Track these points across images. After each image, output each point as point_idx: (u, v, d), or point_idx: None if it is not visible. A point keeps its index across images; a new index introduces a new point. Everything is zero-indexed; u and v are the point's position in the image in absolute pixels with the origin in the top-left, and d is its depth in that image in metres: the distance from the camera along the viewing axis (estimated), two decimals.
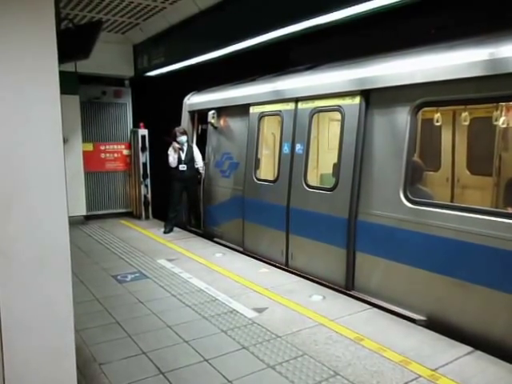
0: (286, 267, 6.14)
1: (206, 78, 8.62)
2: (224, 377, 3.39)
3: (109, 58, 9.26)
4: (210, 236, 8.10)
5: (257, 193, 6.78)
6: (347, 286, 5.20)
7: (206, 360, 3.65)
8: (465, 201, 6.10)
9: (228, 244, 7.48)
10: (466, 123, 5.23)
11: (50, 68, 2.49)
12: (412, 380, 3.34)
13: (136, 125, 10.04)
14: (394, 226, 4.66)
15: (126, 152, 10.21)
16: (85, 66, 8.04)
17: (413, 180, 4.73)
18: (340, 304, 4.83)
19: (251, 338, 4.04)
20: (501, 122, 4.60)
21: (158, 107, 10.01)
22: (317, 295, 5.04)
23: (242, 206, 7.07)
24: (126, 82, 10.27)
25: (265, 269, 6.11)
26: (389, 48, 5.06)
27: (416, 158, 5.16)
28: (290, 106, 6.15)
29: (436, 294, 4.31)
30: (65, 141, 2.61)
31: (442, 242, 4.21)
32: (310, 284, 5.49)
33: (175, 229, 8.91)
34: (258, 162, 6.86)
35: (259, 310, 4.66)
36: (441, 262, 4.25)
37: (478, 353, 3.71)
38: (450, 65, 4.18)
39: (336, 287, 5.30)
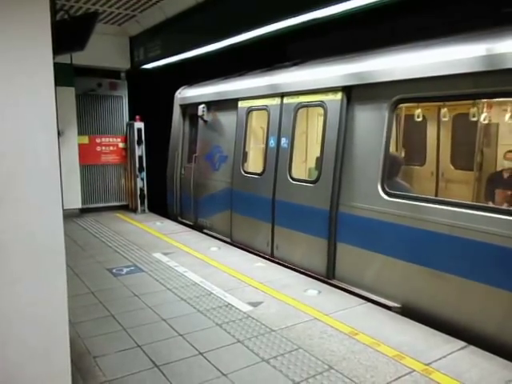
0: (272, 257, 6.33)
1: (202, 71, 8.58)
2: (218, 370, 3.40)
3: (105, 50, 9.20)
4: (200, 227, 8.24)
5: (244, 185, 6.93)
6: (328, 275, 5.42)
7: (201, 353, 3.65)
8: (439, 193, 6.37)
9: (217, 235, 7.63)
10: (446, 119, 5.44)
11: (44, 59, 2.47)
12: (406, 374, 3.36)
13: (132, 118, 9.99)
14: (372, 218, 4.84)
15: (121, 145, 10.17)
16: (80, 58, 7.97)
17: (390, 173, 4.91)
18: (335, 298, 4.85)
19: (246, 331, 4.05)
20: (481, 118, 4.92)
21: (155, 100, 9.97)
22: (312, 290, 5.06)
23: (230, 198, 7.23)
24: (122, 75, 10.20)
25: (260, 263, 6.12)
26: (384, 43, 5.08)
27: (393, 151, 5.33)
28: (276, 101, 6.30)
29: (411, 282, 4.49)
30: (60, 133, 2.61)
31: (417, 233, 4.38)
32: (305, 278, 5.50)
33: (171, 222, 8.91)
34: (245, 155, 7.02)
35: (254, 304, 4.66)
36: (415, 252, 4.43)
37: (472, 348, 3.73)
38: (425, 63, 4.31)
39: (318, 276, 5.50)
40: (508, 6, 4.26)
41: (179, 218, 9.10)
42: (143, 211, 9.91)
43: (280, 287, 5.15)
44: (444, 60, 4.14)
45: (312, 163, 6.24)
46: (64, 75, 8.28)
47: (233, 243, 7.14)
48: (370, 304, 4.69)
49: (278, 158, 6.21)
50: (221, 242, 7.25)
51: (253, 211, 6.72)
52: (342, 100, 5.22)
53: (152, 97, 10.13)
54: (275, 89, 6.30)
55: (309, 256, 5.71)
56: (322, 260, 5.47)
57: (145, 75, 9.89)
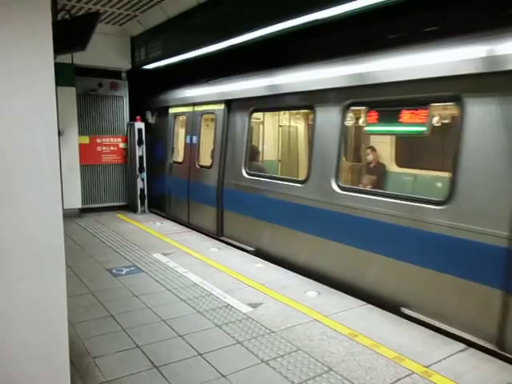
0: (188, 225, 8.54)
1: (202, 72, 8.57)
2: (218, 371, 3.40)
3: (106, 50, 9.20)
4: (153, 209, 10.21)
5: (173, 172, 9.25)
6: (218, 233, 7.68)
7: (200, 354, 3.65)
8: (281, 172, 9.24)
9: (159, 212, 9.78)
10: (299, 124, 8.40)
11: (45, 59, 2.47)
12: (405, 376, 3.36)
13: (133, 118, 9.99)
14: (241, 191, 7.11)
15: (122, 145, 10.17)
16: (81, 58, 7.98)
17: (250, 159, 7.26)
18: (335, 300, 4.84)
19: (246, 332, 4.05)
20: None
21: None
22: (312, 291, 5.05)
23: (165, 182, 9.50)
24: (123, 75, 10.18)
25: (260, 264, 6.12)
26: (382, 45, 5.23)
27: (252, 143, 7.78)
28: (191, 109, 8.66)
29: (258, 232, 6.73)
30: (60, 133, 2.60)
31: (261, 198, 6.59)
32: (305, 280, 5.49)
33: (170, 223, 8.92)
34: (173, 149, 9.35)
35: (254, 305, 4.66)
36: (262, 211, 6.62)
37: (471, 350, 3.73)
38: (264, 85, 6.58)
39: (213, 235, 7.68)
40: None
41: (150, 208, 10.55)
42: (143, 211, 9.92)
43: (280, 288, 5.15)
44: (275, 84, 6.38)
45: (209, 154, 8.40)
46: (65, 75, 8.29)
47: (168, 217, 9.29)
48: (370, 306, 4.68)
49: (191, 151, 8.56)
50: (221, 243, 7.26)
51: (177, 191, 9.10)
52: (224, 109, 7.51)
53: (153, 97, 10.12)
54: (190, 100, 8.64)
55: (208, 221, 7.93)
56: (214, 223, 7.73)
57: (146, 75, 9.89)
